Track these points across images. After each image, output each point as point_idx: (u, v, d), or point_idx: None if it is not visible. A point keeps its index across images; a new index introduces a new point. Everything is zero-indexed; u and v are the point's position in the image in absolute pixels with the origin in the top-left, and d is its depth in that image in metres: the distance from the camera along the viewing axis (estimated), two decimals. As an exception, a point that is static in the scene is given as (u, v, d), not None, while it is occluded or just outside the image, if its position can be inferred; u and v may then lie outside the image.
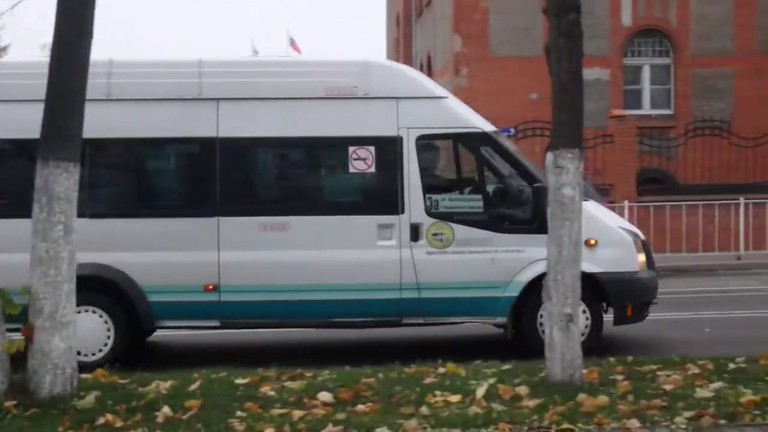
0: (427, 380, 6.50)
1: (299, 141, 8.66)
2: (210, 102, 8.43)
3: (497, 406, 5.71)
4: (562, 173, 6.21)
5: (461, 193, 8.93)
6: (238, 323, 8.63)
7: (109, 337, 8.29)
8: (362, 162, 8.44)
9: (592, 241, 8.32)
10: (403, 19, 31.80)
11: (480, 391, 5.98)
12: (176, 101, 8.35)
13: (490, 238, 8.38)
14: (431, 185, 8.64)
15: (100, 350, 8.24)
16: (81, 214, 6.56)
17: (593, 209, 8.83)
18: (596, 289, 8.39)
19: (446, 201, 8.60)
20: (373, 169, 8.46)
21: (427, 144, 8.78)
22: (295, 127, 8.44)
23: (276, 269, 8.29)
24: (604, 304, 8.63)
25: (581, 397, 5.78)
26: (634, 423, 5.37)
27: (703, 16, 22.26)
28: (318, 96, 8.40)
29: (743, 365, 6.81)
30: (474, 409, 5.67)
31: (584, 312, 8.05)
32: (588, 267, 7.90)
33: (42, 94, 6.16)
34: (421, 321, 8.58)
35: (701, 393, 5.95)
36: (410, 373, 6.77)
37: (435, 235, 8.37)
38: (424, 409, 5.67)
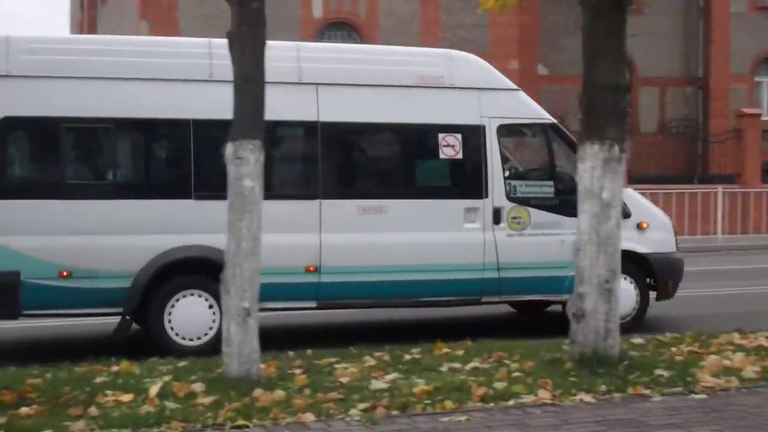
0: (99, 379, 6.34)
1: (394, 127, 9.18)
2: (310, 87, 8.70)
3: (171, 405, 5.63)
4: (242, 164, 6.21)
5: (535, 179, 9.54)
6: (335, 304, 9.00)
7: (214, 321, 8.20)
8: (451, 149, 9.04)
9: (644, 225, 9.48)
10: (88, 2, 30.33)
11: (153, 390, 5.90)
12: (277, 85, 7.61)
13: (560, 222, 9.09)
14: (509, 172, 9.41)
15: (205, 334, 8.26)
16: (186, 196, 7.73)
17: (639, 195, 9.99)
18: (646, 269, 9.48)
19: (523, 186, 9.30)
20: (460, 156, 9.08)
21: (505, 133, 9.45)
22: (390, 114, 8.94)
23: (372, 251, 8.69)
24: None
25: (257, 392, 5.81)
26: (308, 417, 5.47)
27: (391, 11, 23.31)
28: (410, 84, 8.99)
29: (418, 356, 7.16)
30: (146, 408, 5.56)
31: (635, 289, 9.36)
32: (640, 248, 9.31)
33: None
34: (497, 299, 9.45)
35: (376, 385, 6.17)
36: (81, 372, 6.60)
37: (514, 218, 9.13)
38: (93, 410, 5.51)
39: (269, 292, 7.51)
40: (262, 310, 7.80)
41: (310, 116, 8.68)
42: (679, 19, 27.25)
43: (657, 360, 7.05)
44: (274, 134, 8.48)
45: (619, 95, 6.85)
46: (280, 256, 8.01)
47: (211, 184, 7.98)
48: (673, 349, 7.49)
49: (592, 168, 6.78)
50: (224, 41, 6.48)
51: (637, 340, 7.92)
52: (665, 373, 6.52)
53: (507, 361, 6.97)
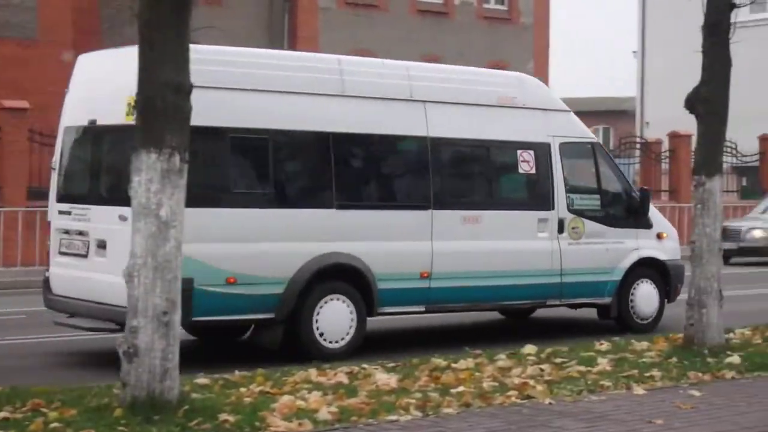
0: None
1: (486, 143, 10.61)
2: (419, 104, 10.12)
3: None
4: None
5: (586, 192, 11.22)
6: (441, 308, 10.56)
7: (351, 326, 9.44)
8: (527, 164, 10.63)
9: (664, 235, 11.77)
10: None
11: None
12: (392, 101, 9.94)
13: (605, 232, 11.10)
14: (568, 186, 10.97)
15: (343, 338, 9.39)
16: (329, 205, 9.40)
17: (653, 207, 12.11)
18: (663, 274, 11.60)
19: (579, 199, 11.00)
20: (533, 171, 10.70)
21: (564, 150, 10.99)
22: (481, 131, 10.46)
23: (471, 258, 10.15)
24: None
25: None
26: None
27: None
28: (493, 104, 10.59)
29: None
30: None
31: (657, 293, 11.54)
32: (661, 255, 11.57)
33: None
34: (558, 303, 11.06)
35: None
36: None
37: (573, 228, 10.83)
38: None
39: (389, 297, 9.70)
40: (380, 314, 9.94)
41: (421, 131, 10.06)
42: (263, 13, 27.10)
43: (223, 403, 6.70)
44: (395, 147, 10.32)
45: (181, 96, 6.25)
46: (401, 262, 9.76)
47: (347, 194, 9.65)
48: (243, 389, 7.22)
49: (149, 181, 6.11)
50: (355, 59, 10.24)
51: (202, 380, 7.57)
52: (231, 418, 6.16)
53: (45, 410, 6.30)
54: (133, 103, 6.93)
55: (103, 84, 9.07)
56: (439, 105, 10.16)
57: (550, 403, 7.11)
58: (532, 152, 10.69)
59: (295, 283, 9.05)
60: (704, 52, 9.22)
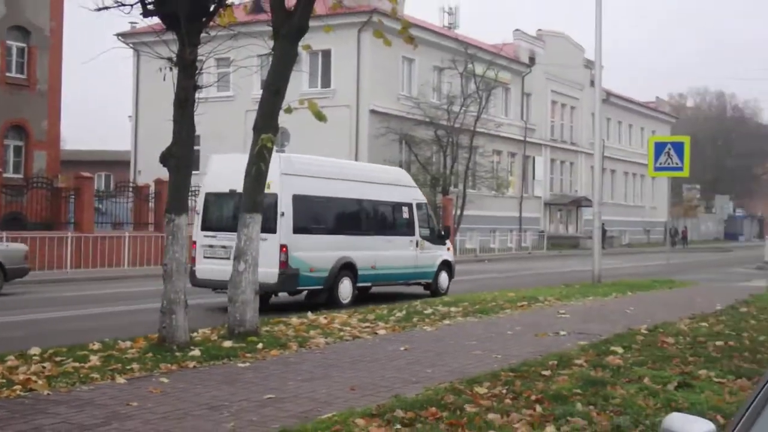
0: None
1: (390, 203, 21.80)
2: (367, 183, 21.07)
3: None
4: None
5: (424, 227, 22.35)
6: (377, 283, 21.34)
7: (351, 292, 19.86)
8: (406, 213, 22.15)
9: (450, 247, 23.66)
10: None
11: None
12: (361, 183, 20.88)
13: (431, 247, 22.28)
14: (419, 223, 22.22)
15: (348, 298, 19.67)
16: (343, 233, 19.88)
17: None
18: (449, 267, 23.11)
19: (422, 230, 22.19)
20: (407, 216, 22.15)
21: (417, 206, 22.32)
22: (389, 197, 21.75)
23: (389, 259, 20.92)
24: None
25: None
26: None
27: None
28: (392, 183, 22.12)
29: None
30: None
31: (447, 276, 23.12)
32: (449, 258, 23.11)
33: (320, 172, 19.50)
34: (414, 282, 22.31)
35: None
36: None
37: (420, 245, 21.98)
38: None
39: (362, 278, 20.46)
40: (357, 288, 20.32)
41: (369, 197, 21.01)
42: None
43: (283, 332, 11.66)
44: (361, 204, 20.96)
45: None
46: (366, 261, 20.35)
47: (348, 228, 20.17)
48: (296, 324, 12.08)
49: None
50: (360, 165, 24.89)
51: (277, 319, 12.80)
52: (292, 340, 10.55)
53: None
54: (270, 182, 14.88)
55: (237, 171, 13.56)
56: (371, 184, 20.91)
57: (48, 394, 8.58)
58: (407, 207, 21.94)
59: (332, 271, 18.96)
60: (175, 120, 11.51)
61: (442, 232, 23.16)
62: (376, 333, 13.73)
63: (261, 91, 12.73)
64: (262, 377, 9.85)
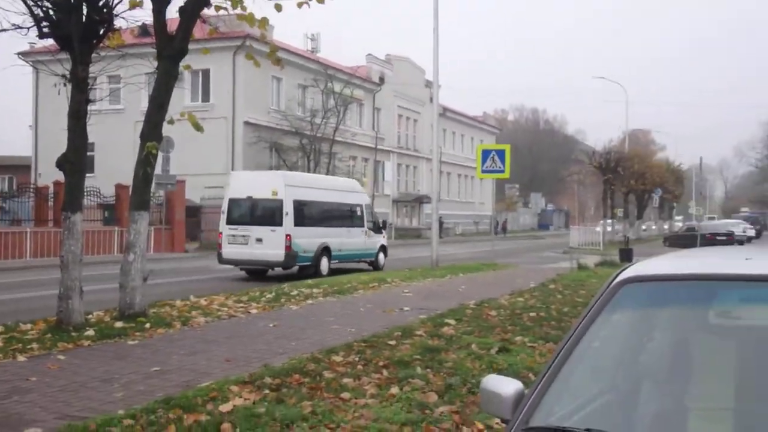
0: None
1: (349, 204, 26.04)
2: (333, 191, 25.28)
3: None
4: None
5: (369, 220, 26.46)
6: (341, 262, 24.95)
7: (328, 266, 23.59)
8: (359, 211, 26.46)
9: (385, 235, 27.64)
10: None
11: None
12: (332, 191, 25.31)
13: (373, 234, 26.37)
14: (367, 218, 26.42)
15: (326, 272, 23.32)
16: (324, 225, 23.93)
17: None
18: (385, 249, 27.48)
19: (368, 224, 26.21)
20: (360, 214, 26.46)
21: (365, 207, 26.71)
22: (347, 199, 26.07)
23: (350, 244, 25.26)
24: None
25: None
26: None
27: None
28: (348, 190, 26.69)
29: None
30: None
31: (384, 256, 27.43)
32: (384, 242, 27.26)
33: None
34: (364, 260, 26.61)
35: None
36: None
37: (367, 233, 26.11)
38: None
39: (334, 258, 24.50)
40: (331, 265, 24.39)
41: (335, 200, 25.05)
42: None
43: (170, 314, 11.01)
44: (334, 207, 25.18)
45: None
46: (337, 245, 24.51)
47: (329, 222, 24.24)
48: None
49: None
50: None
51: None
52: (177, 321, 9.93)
53: None
54: (276, 191, 21.65)
55: (252, 183, 22.42)
56: (337, 191, 24.83)
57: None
58: (359, 207, 25.99)
59: (316, 252, 22.73)
60: (69, 130, 11.17)
61: (380, 225, 27.64)
62: (249, 312, 13.61)
63: (147, 105, 12.41)
64: (149, 353, 9.65)
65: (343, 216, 25.34)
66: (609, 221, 54.38)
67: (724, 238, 44.13)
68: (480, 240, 59.53)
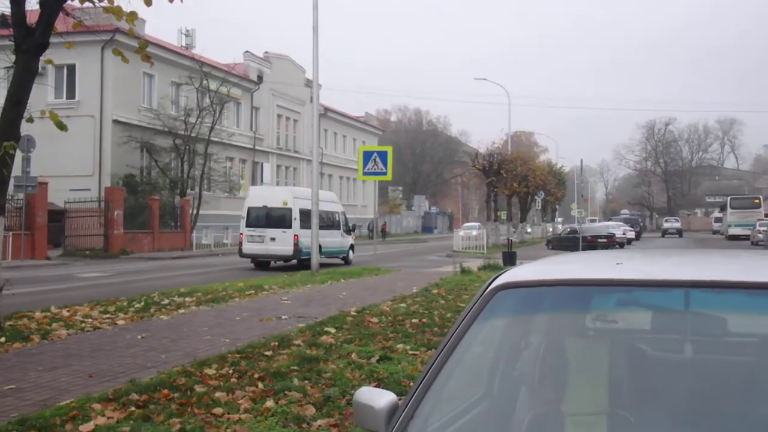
0: None
1: (332, 212, 34.45)
2: (324, 202, 32.46)
3: None
4: None
5: (344, 225, 34.98)
6: (326, 257, 32.16)
7: (319, 261, 27.62)
8: (339, 217, 35.16)
9: (353, 236, 36.77)
10: None
11: None
12: (325, 202, 33.16)
13: (346, 236, 34.63)
14: (342, 223, 35.08)
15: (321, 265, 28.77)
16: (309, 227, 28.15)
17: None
18: (353, 247, 36.01)
19: (342, 227, 34.73)
20: (339, 220, 35.16)
21: (341, 214, 35.07)
22: (330, 208, 34.40)
23: (329, 243, 32.69)
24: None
25: None
26: None
27: None
28: (333, 201, 36.10)
29: None
30: None
31: (353, 253, 35.74)
32: (352, 242, 35.57)
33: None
34: (338, 256, 34.50)
35: None
36: None
37: (342, 235, 34.44)
38: None
39: (323, 253, 32.16)
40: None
41: (327, 209, 33.53)
42: None
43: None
44: (325, 214, 33.65)
45: None
46: (324, 244, 32.36)
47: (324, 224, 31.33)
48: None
49: None
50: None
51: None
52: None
53: None
54: (286, 201, 30.52)
55: (267, 195, 31.37)
56: (324, 202, 29.97)
57: None
58: (337, 214, 33.76)
59: (312, 249, 26.27)
60: None
61: (350, 229, 35.58)
62: (116, 323, 13.18)
63: (4, 101, 11.85)
64: (3, 369, 9.17)
65: (329, 221, 33.02)
66: (494, 224, 55.69)
67: (605, 240, 45.84)
68: (363, 243, 59.87)
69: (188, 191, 47.17)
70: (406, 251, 48.46)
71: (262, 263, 31.68)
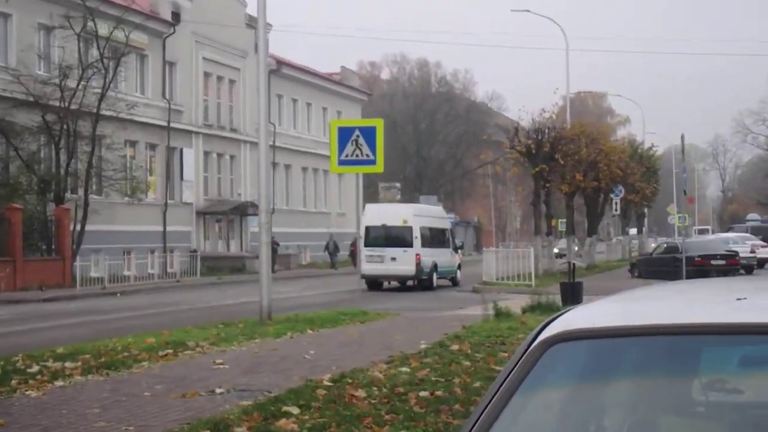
0: None
1: (442, 229, 51.19)
2: (413, 217, 47.15)
3: None
4: None
5: (453, 242, 52.48)
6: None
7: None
8: (449, 234, 52.59)
9: (460, 255, 55.33)
10: None
11: None
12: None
13: (455, 254, 51.46)
14: (452, 241, 52.89)
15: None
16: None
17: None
18: (460, 266, 55.17)
19: (452, 244, 51.09)
20: (449, 237, 52.09)
21: (451, 230, 54.91)
22: (441, 225, 51.59)
23: (442, 261, 49.22)
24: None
25: None
26: None
27: None
28: (442, 217, 54.27)
29: None
30: None
31: (460, 274, 51.60)
32: (459, 261, 54.03)
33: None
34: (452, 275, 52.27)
35: None
36: None
37: (452, 253, 50.64)
38: None
39: None
40: None
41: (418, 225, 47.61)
42: None
43: None
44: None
45: None
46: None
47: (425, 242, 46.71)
48: None
49: None
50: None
51: None
52: None
53: None
54: (406, 219, 45.44)
55: (385, 213, 47.13)
56: (435, 218, 50.21)
57: None
58: (447, 231, 51.03)
59: (431, 268, 45.91)
60: None
61: (458, 246, 53.94)
62: (-46, 406, 13.16)
63: None
64: None
65: (441, 239, 48.25)
66: (547, 239, 55.65)
67: (722, 262, 45.86)
68: (341, 274, 59.90)
69: (67, 195, 47.39)
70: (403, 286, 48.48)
71: (375, 284, 45.27)
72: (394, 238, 44.99)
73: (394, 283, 46.47)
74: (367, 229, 44.40)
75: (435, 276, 45.90)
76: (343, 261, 71.01)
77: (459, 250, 51.09)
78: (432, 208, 55.06)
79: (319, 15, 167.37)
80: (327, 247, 70.83)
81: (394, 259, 44.25)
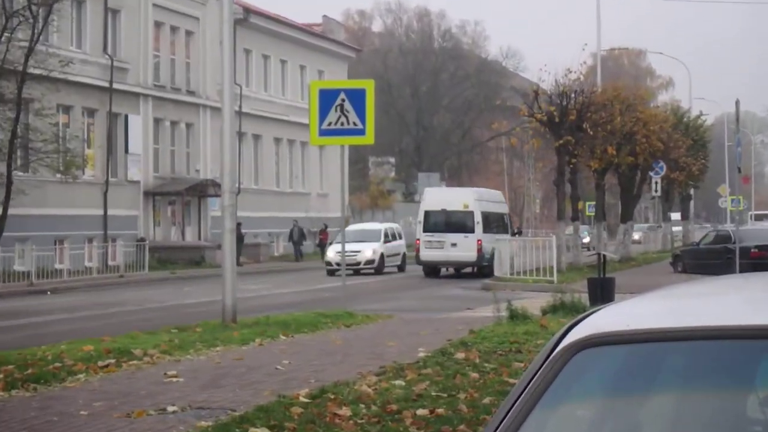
0: None
1: (501, 213, 61.60)
2: (474, 201, 57.36)
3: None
4: None
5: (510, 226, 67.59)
6: None
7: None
8: (507, 219, 64.69)
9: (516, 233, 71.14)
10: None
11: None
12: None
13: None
14: (510, 224, 69.21)
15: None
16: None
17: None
18: None
19: (511, 227, 67.90)
20: (507, 222, 64.13)
21: (508, 216, 67.11)
22: (499, 209, 61.50)
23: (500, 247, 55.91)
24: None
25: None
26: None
27: None
28: (499, 201, 63.74)
29: None
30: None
31: None
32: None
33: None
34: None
35: None
36: None
37: (513, 235, 64.48)
38: None
39: None
40: None
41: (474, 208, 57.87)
42: None
43: None
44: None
45: None
46: None
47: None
48: None
49: None
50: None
51: None
52: None
53: None
54: (467, 204, 54.70)
55: (445, 197, 57.72)
56: (494, 203, 59.24)
57: None
58: (505, 216, 61.93)
59: (491, 254, 52.40)
60: None
61: (516, 231, 63.68)
62: None
63: None
64: None
65: (498, 224, 55.91)
66: (572, 225, 55.89)
67: (784, 255, 46.08)
68: (320, 267, 59.98)
69: (-15, 172, 47.37)
70: (400, 282, 48.66)
71: (433, 270, 54.51)
72: (454, 223, 53.13)
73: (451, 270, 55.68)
74: (426, 213, 53.35)
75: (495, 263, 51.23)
76: (311, 252, 71.44)
77: (517, 236, 59.45)
78: (491, 192, 63.77)
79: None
80: (291, 236, 71.06)
81: (454, 245, 51.85)
